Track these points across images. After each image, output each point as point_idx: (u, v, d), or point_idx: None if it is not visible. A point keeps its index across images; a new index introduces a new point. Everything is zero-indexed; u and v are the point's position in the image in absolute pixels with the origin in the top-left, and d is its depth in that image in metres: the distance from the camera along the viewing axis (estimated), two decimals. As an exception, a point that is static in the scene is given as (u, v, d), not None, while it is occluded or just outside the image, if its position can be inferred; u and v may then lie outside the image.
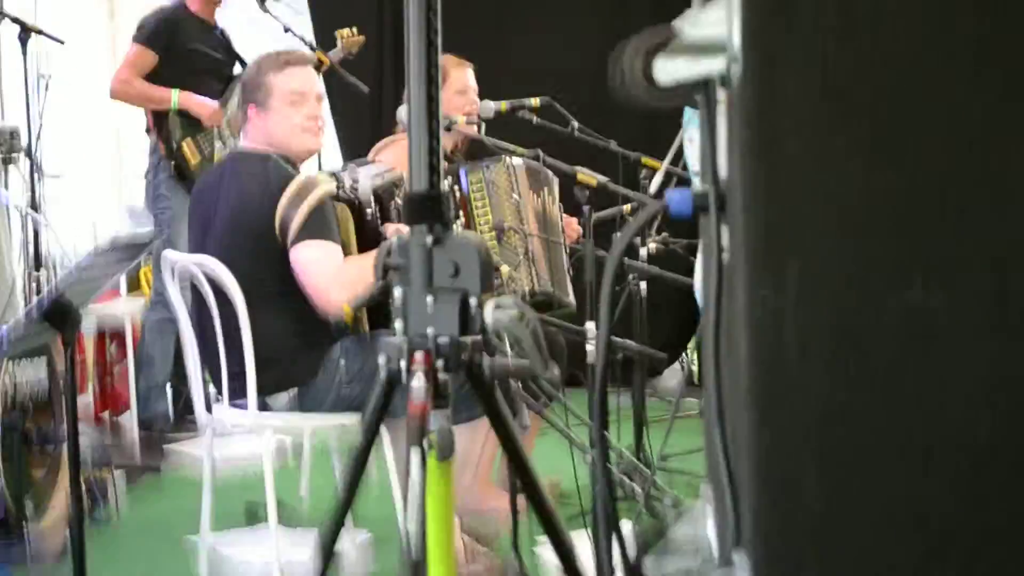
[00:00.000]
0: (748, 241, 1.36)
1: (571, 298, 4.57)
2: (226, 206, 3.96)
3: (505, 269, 4.30)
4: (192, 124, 5.92)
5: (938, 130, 1.36)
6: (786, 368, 1.37)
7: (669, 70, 1.38)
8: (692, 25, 1.37)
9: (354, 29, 6.10)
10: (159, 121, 5.92)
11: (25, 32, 5.60)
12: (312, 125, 4.10)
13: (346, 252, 3.88)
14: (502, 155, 4.49)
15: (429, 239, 1.85)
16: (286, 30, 6.05)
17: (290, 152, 4.07)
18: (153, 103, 5.90)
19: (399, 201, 4.00)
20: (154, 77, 5.89)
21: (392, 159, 4.50)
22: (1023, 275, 1.36)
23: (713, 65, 1.35)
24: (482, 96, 4.94)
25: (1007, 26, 1.35)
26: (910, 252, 1.37)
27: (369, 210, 3.98)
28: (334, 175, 3.98)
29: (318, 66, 5.31)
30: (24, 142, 5.52)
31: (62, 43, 5.73)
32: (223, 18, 6.18)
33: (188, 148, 5.90)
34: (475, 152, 5.00)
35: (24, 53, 5.58)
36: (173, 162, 5.90)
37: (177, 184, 5.90)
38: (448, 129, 4.64)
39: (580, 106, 4.95)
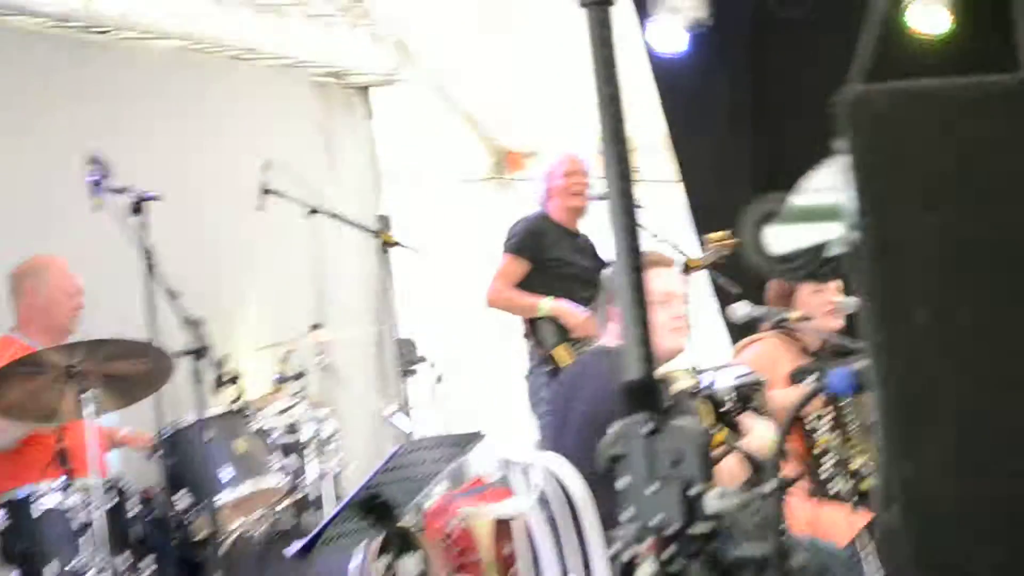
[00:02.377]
0: (883, 411, 1.27)
1: None
2: (582, 401, 4.02)
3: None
4: (565, 329, 6.04)
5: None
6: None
7: (780, 241, 1.33)
8: (801, 193, 1.32)
9: (727, 232, 6.05)
10: (533, 326, 6.10)
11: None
12: (678, 325, 4.13)
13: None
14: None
15: (647, 428, 1.83)
16: (653, 236, 6.10)
17: (656, 351, 4.12)
18: (524, 311, 6.08)
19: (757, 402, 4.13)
20: (526, 284, 6.08)
21: (750, 357, 4.71)
22: None
23: (824, 233, 1.29)
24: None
25: None
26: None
27: (726, 407, 4.04)
28: (694, 372, 4.07)
29: (687, 268, 5.33)
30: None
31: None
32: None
33: (564, 352, 6.00)
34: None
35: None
36: (549, 367, 6.01)
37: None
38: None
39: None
